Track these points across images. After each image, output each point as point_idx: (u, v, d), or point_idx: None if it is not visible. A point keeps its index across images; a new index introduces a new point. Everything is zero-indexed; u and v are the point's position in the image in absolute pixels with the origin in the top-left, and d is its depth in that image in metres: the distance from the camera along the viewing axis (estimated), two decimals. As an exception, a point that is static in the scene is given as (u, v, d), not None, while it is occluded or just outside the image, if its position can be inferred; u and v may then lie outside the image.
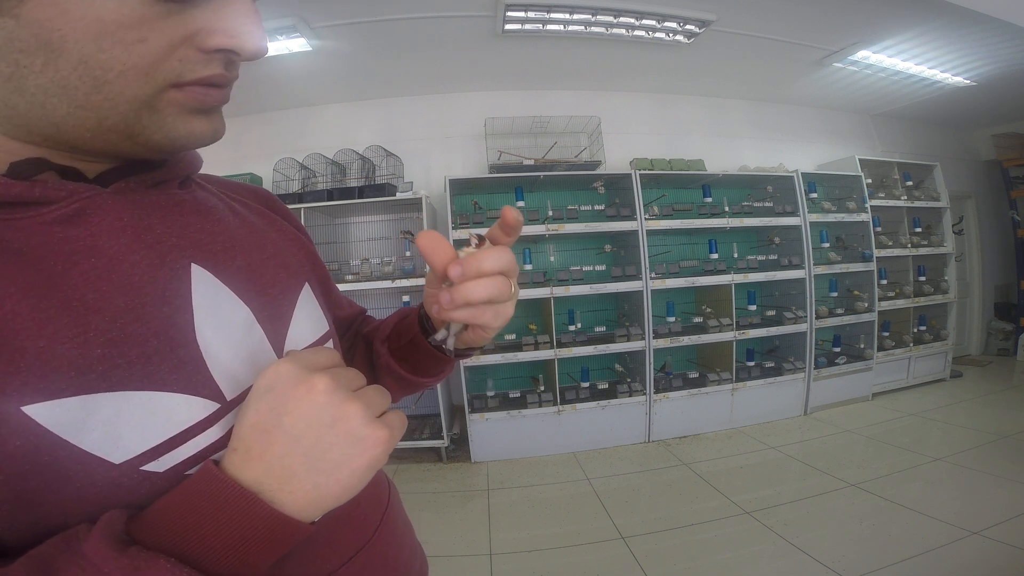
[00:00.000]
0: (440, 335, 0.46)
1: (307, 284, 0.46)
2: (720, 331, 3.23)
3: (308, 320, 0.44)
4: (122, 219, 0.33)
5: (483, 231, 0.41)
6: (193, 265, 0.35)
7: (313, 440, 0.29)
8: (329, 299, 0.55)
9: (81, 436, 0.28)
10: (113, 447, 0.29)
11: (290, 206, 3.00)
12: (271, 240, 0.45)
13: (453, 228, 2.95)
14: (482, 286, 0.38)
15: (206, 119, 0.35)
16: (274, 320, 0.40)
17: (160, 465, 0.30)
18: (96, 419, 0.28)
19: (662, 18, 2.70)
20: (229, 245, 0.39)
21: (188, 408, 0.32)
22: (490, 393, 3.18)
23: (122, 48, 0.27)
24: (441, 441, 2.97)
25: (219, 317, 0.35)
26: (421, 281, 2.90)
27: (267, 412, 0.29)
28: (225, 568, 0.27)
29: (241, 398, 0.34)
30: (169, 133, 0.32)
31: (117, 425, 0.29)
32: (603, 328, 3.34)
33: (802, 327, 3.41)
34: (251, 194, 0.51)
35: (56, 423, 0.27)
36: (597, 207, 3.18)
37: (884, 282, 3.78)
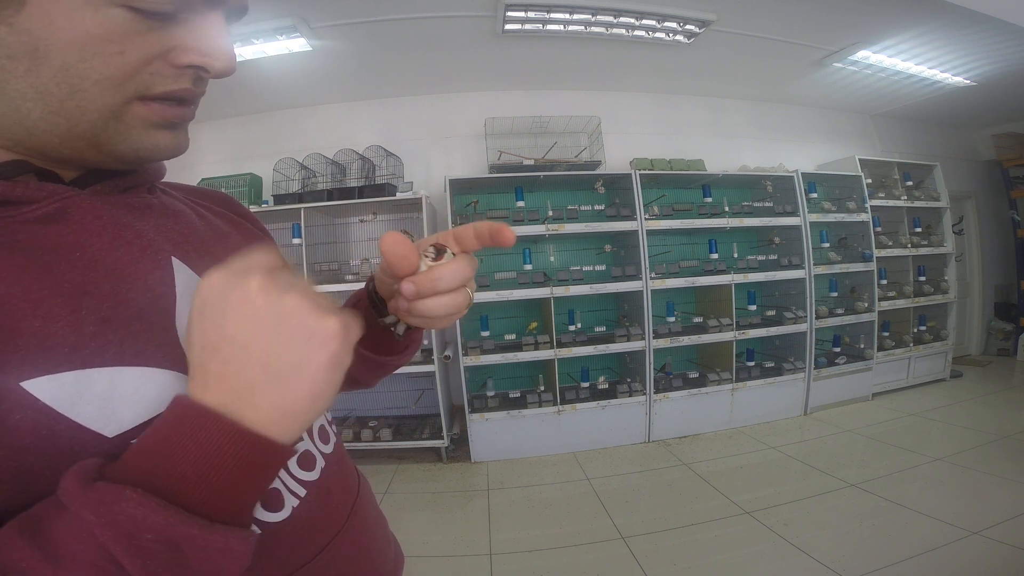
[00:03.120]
0: (390, 319, 0.47)
1: None
2: (720, 331, 3.23)
3: None
4: (102, 218, 0.34)
5: (478, 225, 0.40)
6: (173, 258, 0.37)
7: (263, 345, 0.27)
8: None
9: (77, 410, 0.28)
10: (107, 421, 0.29)
11: (290, 206, 3.01)
12: (234, 240, 0.48)
13: (453, 228, 2.94)
14: (440, 304, 0.39)
15: (170, 133, 0.36)
16: None
17: None
18: (90, 393, 0.29)
19: (662, 18, 2.70)
20: (199, 244, 0.42)
21: (174, 384, 0.33)
22: (490, 393, 3.18)
23: (101, 59, 0.29)
24: (441, 441, 2.97)
25: None
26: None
27: (211, 328, 0.27)
28: (200, 498, 0.26)
29: None
30: (133, 144, 0.34)
31: (110, 399, 0.30)
32: (603, 328, 3.34)
33: (802, 327, 3.41)
34: (213, 198, 0.53)
35: (53, 397, 0.28)
36: (597, 207, 3.18)
37: (884, 282, 3.78)
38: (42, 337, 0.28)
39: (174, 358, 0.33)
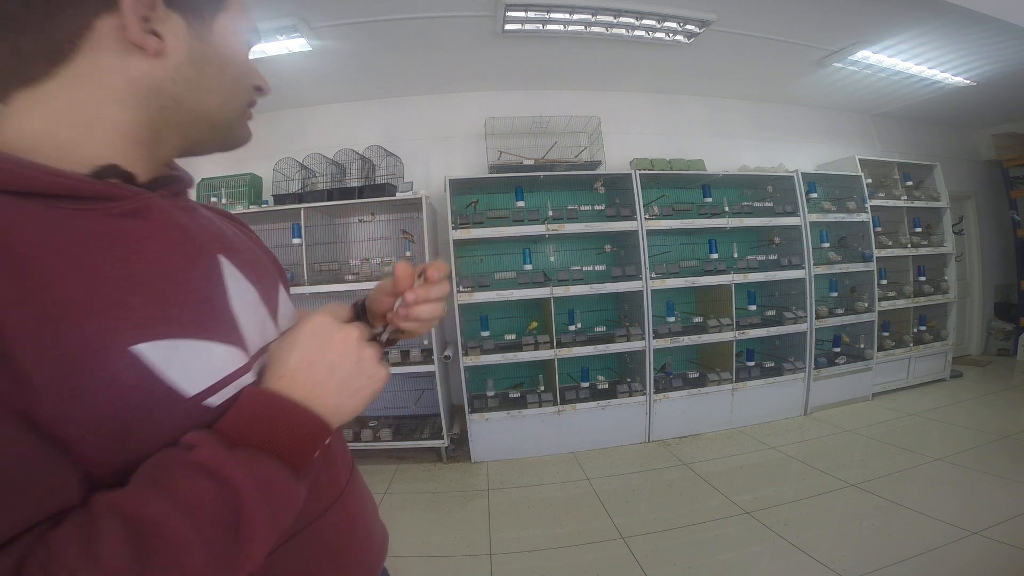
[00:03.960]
0: (377, 330, 0.58)
1: (279, 281, 0.59)
2: (720, 331, 3.23)
3: (286, 305, 0.57)
4: (170, 217, 0.43)
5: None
6: (220, 255, 0.46)
7: (345, 372, 0.42)
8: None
9: (168, 373, 0.35)
10: (187, 383, 0.37)
11: (290, 206, 3.01)
12: (249, 245, 0.57)
13: (453, 228, 2.95)
14: (428, 309, 0.56)
15: (249, 127, 0.53)
16: (269, 302, 0.51)
17: (215, 400, 0.39)
18: (178, 359, 0.36)
19: (662, 18, 2.70)
20: (231, 244, 0.50)
21: (234, 357, 0.41)
22: (490, 393, 3.18)
23: (244, 74, 0.49)
24: (441, 441, 2.97)
25: (240, 295, 0.46)
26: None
27: (314, 349, 0.42)
28: (293, 463, 0.38)
29: (259, 354, 0.45)
30: (242, 132, 0.51)
31: (191, 365, 0.37)
32: (603, 328, 3.34)
33: (802, 327, 3.41)
34: (218, 211, 0.63)
35: (153, 360, 0.34)
36: (597, 207, 3.18)
37: (884, 282, 3.78)
38: (144, 310, 0.35)
39: (231, 336, 0.42)
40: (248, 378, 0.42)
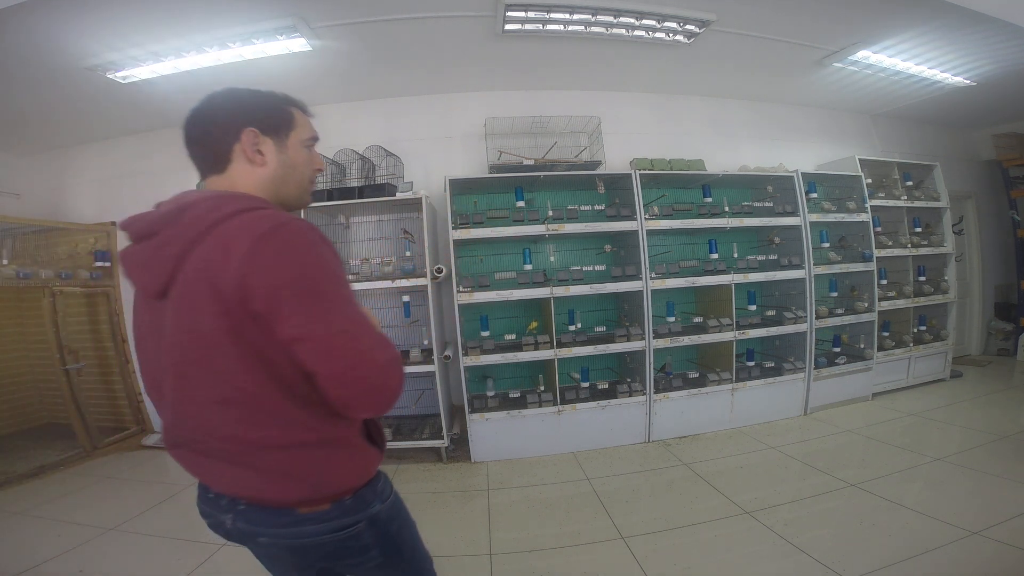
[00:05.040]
0: None
1: None
2: (720, 331, 3.23)
3: None
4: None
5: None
6: None
7: None
8: None
9: None
10: None
11: (290, 206, 3.02)
12: None
13: (453, 228, 2.95)
14: None
15: (310, 195, 0.91)
16: None
17: None
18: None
19: (662, 18, 2.70)
20: None
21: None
22: (490, 393, 3.18)
23: (308, 168, 0.87)
24: (441, 441, 2.97)
25: None
26: (421, 281, 2.90)
27: None
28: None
29: None
30: (308, 200, 0.90)
31: None
32: (603, 328, 3.34)
33: (802, 327, 3.41)
34: None
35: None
36: (597, 207, 3.18)
37: (884, 282, 3.78)
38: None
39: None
40: None
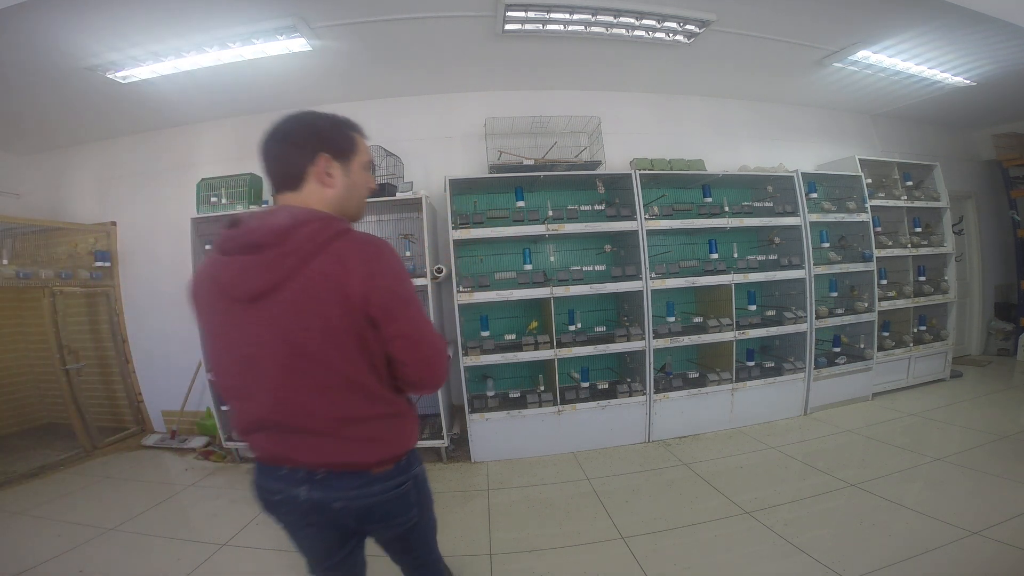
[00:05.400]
0: None
1: None
2: (720, 331, 3.22)
3: None
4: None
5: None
6: None
7: None
8: None
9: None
10: None
11: (290, 206, 3.02)
12: None
13: (453, 228, 2.95)
14: None
15: (365, 208, 1.06)
16: None
17: None
18: None
19: (662, 18, 2.70)
20: None
21: None
22: (490, 393, 3.18)
23: (365, 188, 1.01)
24: (441, 441, 2.97)
25: None
26: (421, 281, 2.90)
27: None
28: None
29: None
30: (363, 215, 1.04)
31: None
32: (603, 328, 3.34)
33: (802, 327, 3.41)
34: None
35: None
36: (597, 207, 3.18)
37: (884, 282, 3.78)
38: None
39: None
40: None
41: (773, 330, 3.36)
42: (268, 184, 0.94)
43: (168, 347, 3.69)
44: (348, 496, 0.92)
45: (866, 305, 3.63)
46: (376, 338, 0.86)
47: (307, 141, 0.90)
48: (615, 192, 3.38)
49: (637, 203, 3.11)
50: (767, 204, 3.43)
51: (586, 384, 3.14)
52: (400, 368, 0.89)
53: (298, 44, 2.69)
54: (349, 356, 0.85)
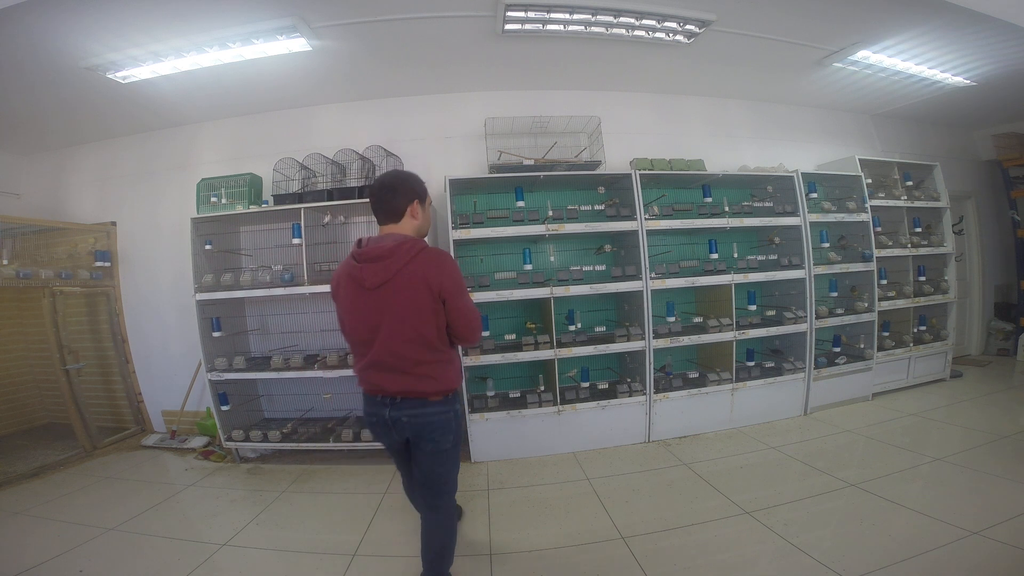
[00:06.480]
0: None
1: None
2: (720, 331, 3.22)
3: None
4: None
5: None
6: None
7: None
8: None
9: None
10: None
11: (290, 206, 3.01)
12: None
13: (453, 228, 2.95)
14: None
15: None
16: None
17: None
18: None
19: (662, 18, 2.70)
20: None
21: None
22: (490, 393, 3.18)
23: (430, 219, 1.66)
24: (441, 441, 2.97)
25: None
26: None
27: None
28: None
29: None
30: (427, 234, 1.66)
31: None
32: (603, 328, 3.34)
33: (802, 327, 3.41)
34: None
35: None
36: (597, 207, 3.18)
37: (884, 282, 3.78)
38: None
39: None
40: None
41: (773, 330, 3.36)
42: (376, 218, 1.50)
43: (168, 347, 3.69)
44: (412, 414, 1.45)
45: (866, 305, 3.63)
46: (442, 311, 1.42)
47: (407, 192, 1.49)
48: (615, 192, 3.38)
49: (637, 203, 3.11)
50: (767, 204, 3.43)
51: (586, 384, 3.14)
52: (454, 329, 1.45)
53: (298, 44, 2.69)
54: (428, 319, 1.40)
